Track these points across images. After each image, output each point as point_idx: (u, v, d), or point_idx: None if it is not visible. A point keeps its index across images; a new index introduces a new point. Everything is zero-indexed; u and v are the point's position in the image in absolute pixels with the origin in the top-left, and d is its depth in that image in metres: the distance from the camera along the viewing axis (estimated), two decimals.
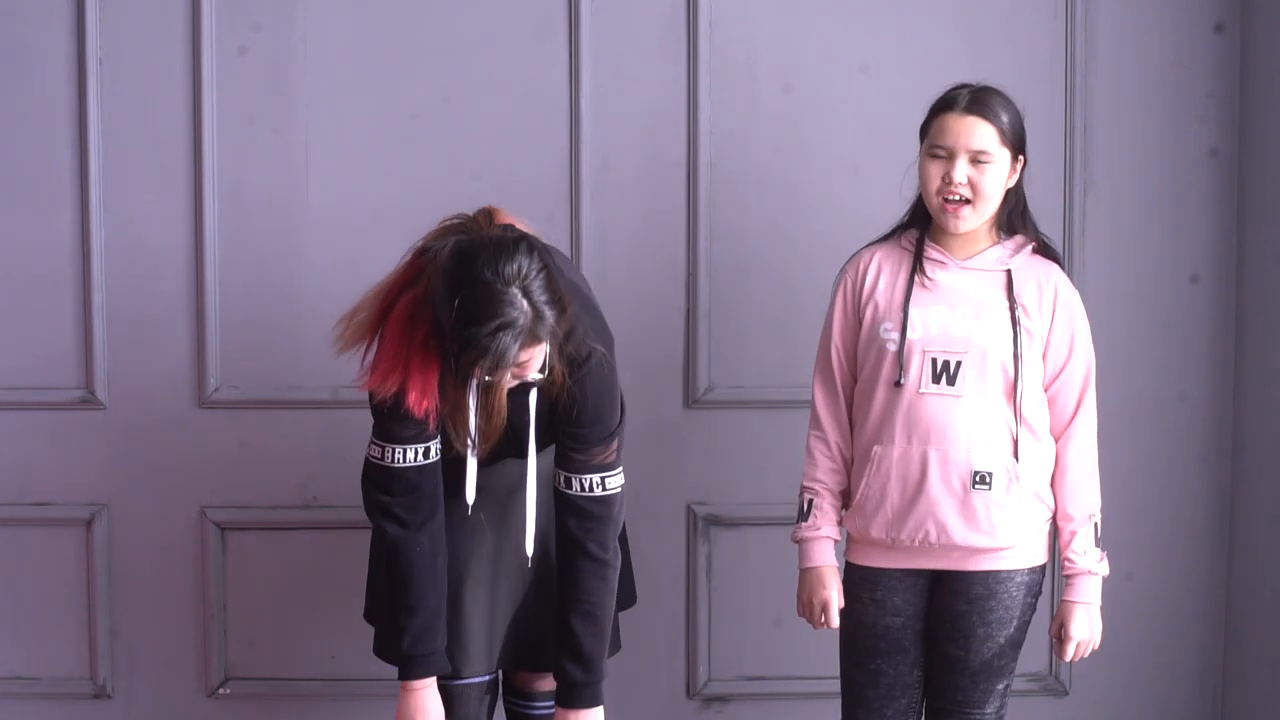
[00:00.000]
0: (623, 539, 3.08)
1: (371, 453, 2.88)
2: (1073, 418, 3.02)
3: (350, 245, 3.68)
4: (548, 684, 3.06)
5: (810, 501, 3.12)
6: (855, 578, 3.10)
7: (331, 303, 3.70)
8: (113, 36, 3.71)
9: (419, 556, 2.84)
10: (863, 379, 3.08)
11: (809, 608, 3.13)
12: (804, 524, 3.12)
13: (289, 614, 3.85)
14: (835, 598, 3.09)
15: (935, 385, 2.95)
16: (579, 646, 2.91)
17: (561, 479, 2.90)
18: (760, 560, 3.80)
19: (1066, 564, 3.03)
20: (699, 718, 3.88)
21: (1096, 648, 3.05)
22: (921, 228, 3.07)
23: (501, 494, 2.97)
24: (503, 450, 2.90)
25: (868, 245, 3.15)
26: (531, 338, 2.61)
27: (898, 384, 2.98)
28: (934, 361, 2.96)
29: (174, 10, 3.71)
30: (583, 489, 2.88)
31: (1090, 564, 3.01)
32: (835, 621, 3.10)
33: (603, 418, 2.88)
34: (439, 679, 2.99)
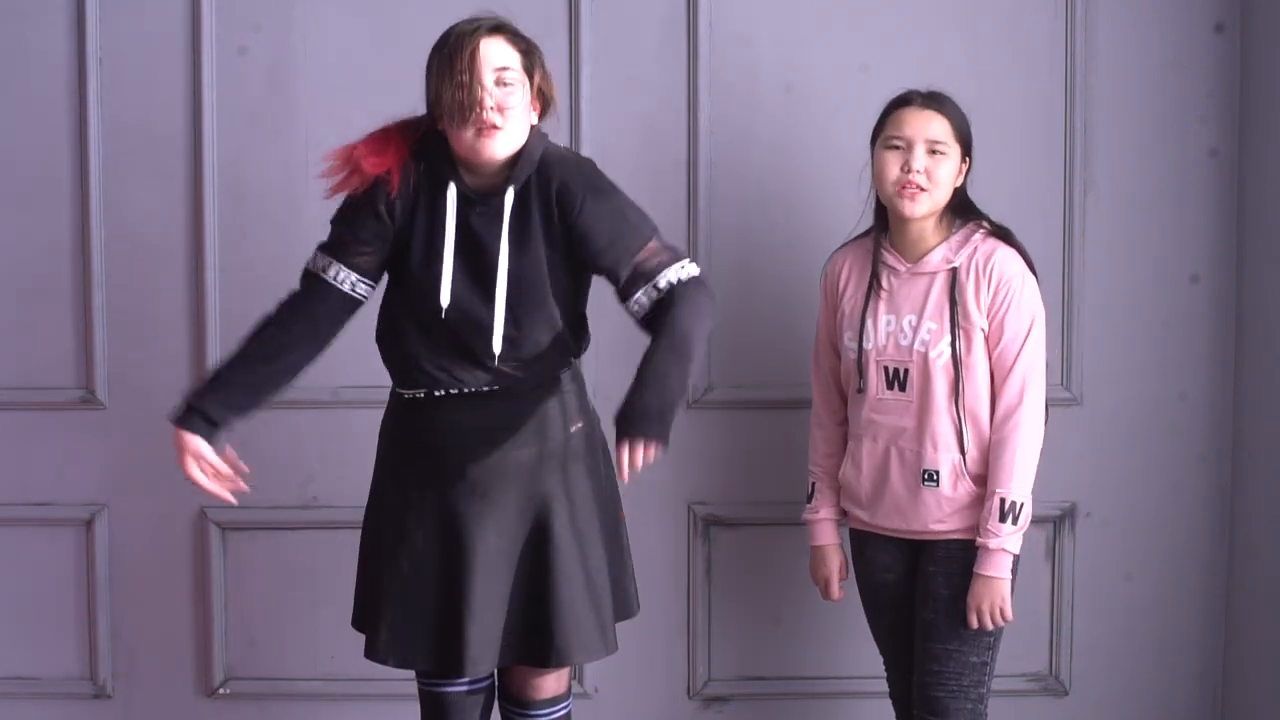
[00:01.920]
0: (624, 544, 3.08)
1: (306, 262, 2.98)
2: (1001, 394, 3.12)
3: None
4: (545, 692, 3.05)
5: (814, 485, 3.38)
6: (854, 540, 3.34)
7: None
8: (113, 37, 3.72)
9: (268, 335, 2.96)
10: (841, 378, 3.32)
11: (816, 582, 3.40)
12: (808, 506, 3.39)
13: (289, 614, 3.85)
14: (835, 573, 3.36)
15: (889, 391, 3.19)
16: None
17: (637, 299, 2.87)
18: (760, 560, 3.81)
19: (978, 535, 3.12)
20: (699, 718, 3.88)
21: (1003, 621, 3.11)
22: (879, 230, 3.24)
23: (480, 485, 2.94)
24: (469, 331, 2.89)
25: (842, 245, 3.37)
26: (506, 31, 2.83)
27: (859, 390, 3.21)
28: (886, 369, 3.19)
29: (174, 12, 3.72)
30: (664, 286, 2.86)
31: (989, 539, 3.09)
32: (836, 594, 3.38)
33: (629, 221, 2.90)
34: (433, 685, 3.00)
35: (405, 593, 2.96)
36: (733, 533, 3.83)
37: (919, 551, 3.20)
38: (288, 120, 3.74)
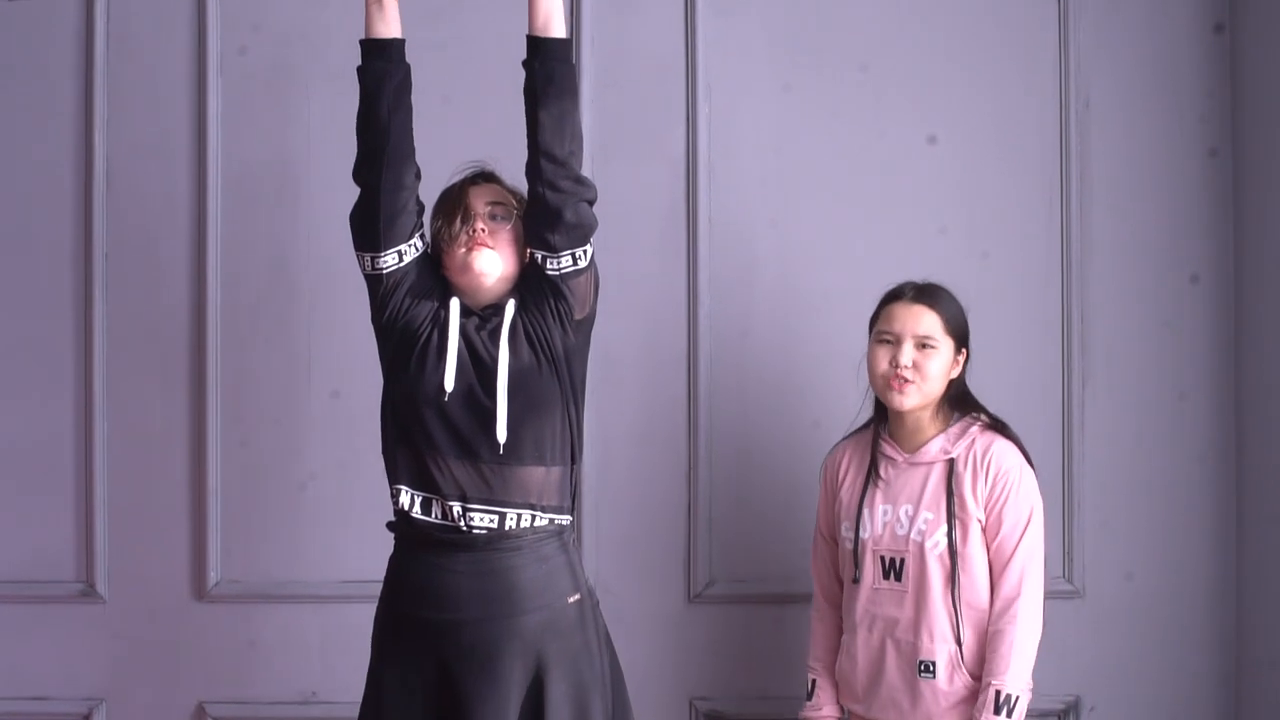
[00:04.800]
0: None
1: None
2: (999, 586, 3.13)
3: (349, 439, 3.72)
4: None
5: (813, 682, 3.34)
6: None
7: (330, 506, 3.76)
8: (118, 228, 3.79)
9: None
10: (840, 573, 3.32)
11: None
12: (809, 703, 3.34)
13: None
14: None
15: (886, 581, 3.19)
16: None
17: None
18: None
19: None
20: None
21: None
22: (879, 421, 3.28)
23: (479, 654, 2.93)
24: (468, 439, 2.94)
25: (844, 439, 3.39)
26: (498, 179, 3.09)
27: (855, 580, 3.21)
28: (882, 559, 3.19)
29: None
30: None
31: None
32: None
33: None
34: None
35: None
36: None
37: None
38: (291, 310, 3.80)
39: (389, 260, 3.00)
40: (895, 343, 3.17)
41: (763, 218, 3.80)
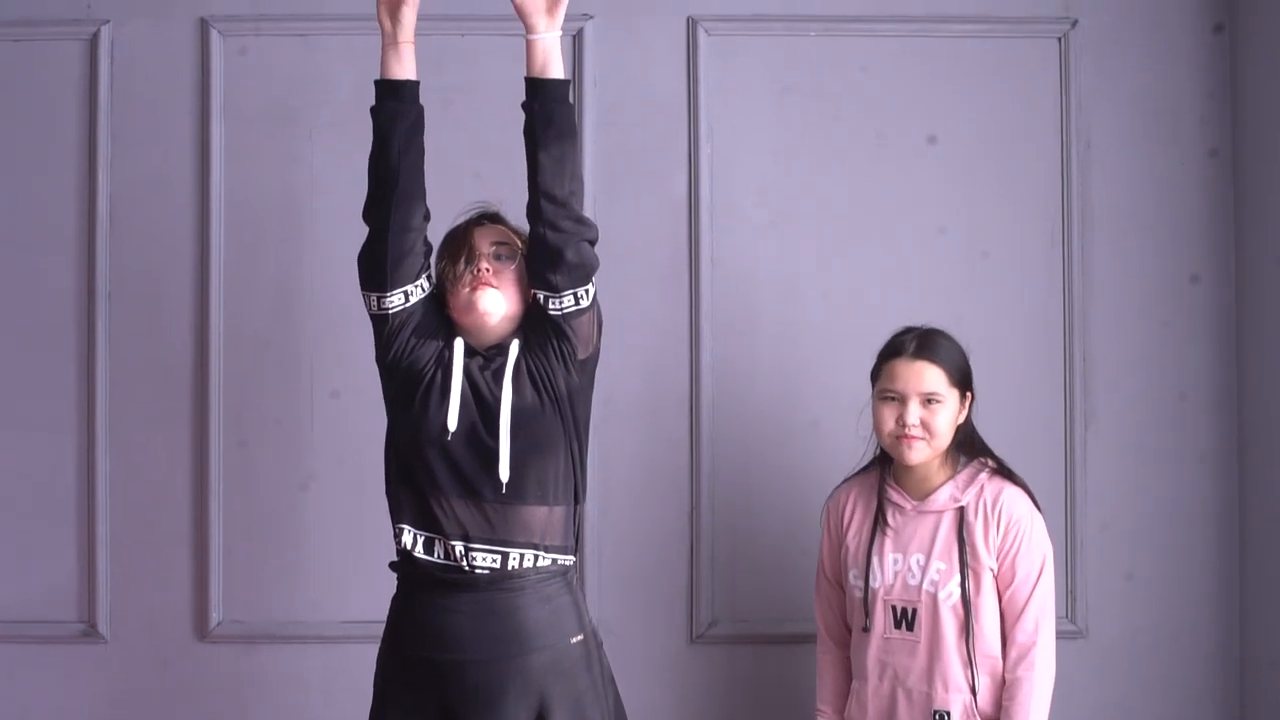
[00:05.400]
0: None
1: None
2: (1015, 635, 3.12)
3: (354, 488, 3.72)
4: None
5: None
6: None
7: (333, 547, 3.76)
8: (120, 270, 3.80)
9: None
10: (844, 612, 3.30)
11: None
12: None
13: None
14: None
15: (897, 631, 3.17)
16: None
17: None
18: None
19: None
20: None
21: None
22: (883, 466, 3.27)
23: (483, 695, 2.92)
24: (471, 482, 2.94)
25: (846, 480, 3.36)
26: (502, 219, 3.11)
27: (865, 629, 3.19)
28: (893, 609, 3.17)
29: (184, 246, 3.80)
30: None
31: None
32: None
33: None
34: None
35: None
36: None
37: None
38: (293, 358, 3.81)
39: (395, 300, 3.00)
40: (900, 400, 3.15)
41: (765, 258, 3.81)
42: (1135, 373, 3.82)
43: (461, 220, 3.12)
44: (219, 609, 3.76)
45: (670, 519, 3.78)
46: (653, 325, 3.80)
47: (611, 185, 3.78)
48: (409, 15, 3.00)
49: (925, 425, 3.13)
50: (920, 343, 3.18)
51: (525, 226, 3.07)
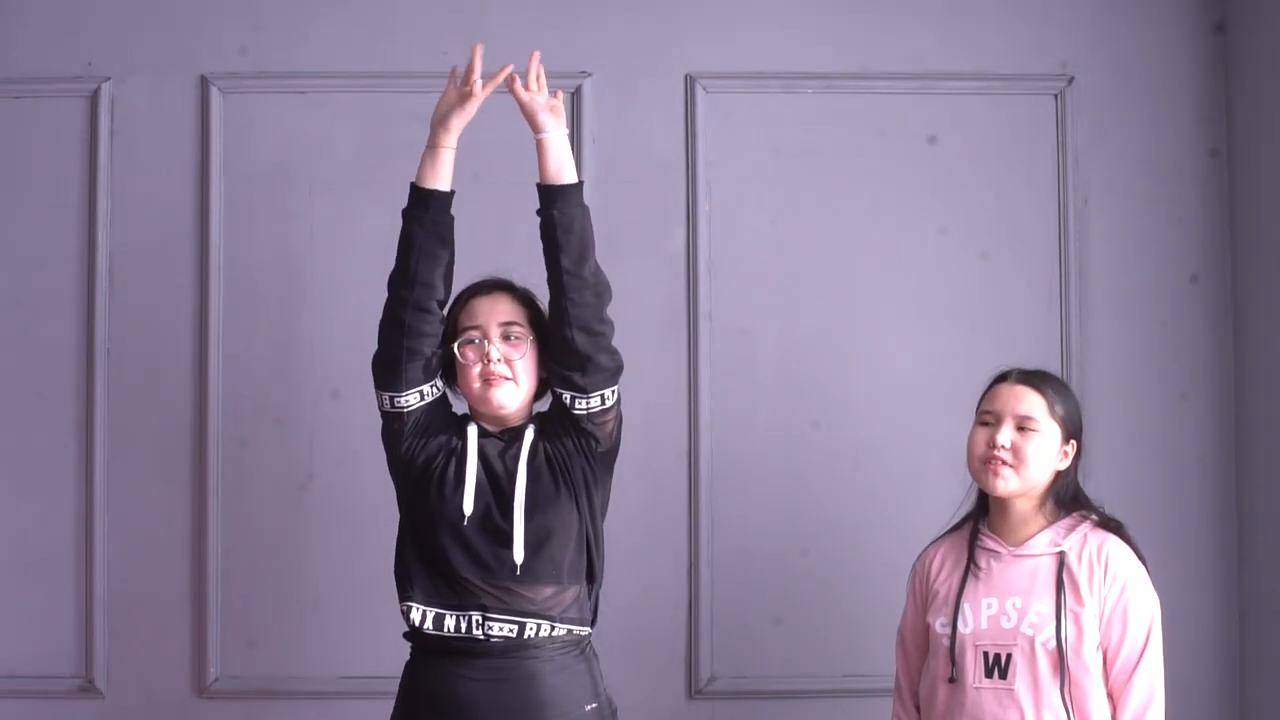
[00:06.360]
0: None
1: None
2: (1128, 697, 2.93)
3: (353, 550, 3.72)
4: None
5: None
6: None
7: (332, 604, 3.75)
8: (120, 330, 3.81)
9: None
10: (926, 670, 3.08)
11: None
12: None
13: None
14: None
15: (989, 679, 2.95)
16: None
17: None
18: None
19: None
20: None
21: None
22: (979, 515, 3.10)
23: None
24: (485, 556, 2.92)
25: (936, 539, 3.18)
26: (508, 287, 3.04)
27: (951, 679, 2.98)
28: (985, 655, 2.96)
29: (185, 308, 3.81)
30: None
31: None
32: None
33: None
34: None
35: None
36: None
37: None
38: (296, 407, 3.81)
39: (410, 399, 2.97)
40: (995, 423, 3.00)
41: (763, 314, 3.82)
42: (1135, 373, 3.83)
43: (466, 292, 3.07)
44: (217, 664, 3.76)
45: (669, 573, 3.78)
46: (651, 380, 3.79)
47: (610, 242, 3.72)
48: (458, 125, 2.97)
49: (1016, 451, 2.98)
50: (1027, 372, 3.06)
51: (530, 285, 3.05)
